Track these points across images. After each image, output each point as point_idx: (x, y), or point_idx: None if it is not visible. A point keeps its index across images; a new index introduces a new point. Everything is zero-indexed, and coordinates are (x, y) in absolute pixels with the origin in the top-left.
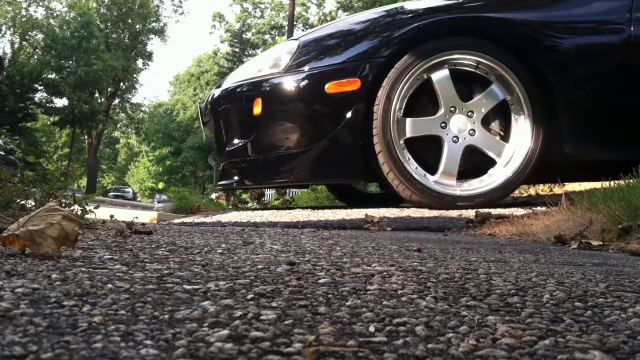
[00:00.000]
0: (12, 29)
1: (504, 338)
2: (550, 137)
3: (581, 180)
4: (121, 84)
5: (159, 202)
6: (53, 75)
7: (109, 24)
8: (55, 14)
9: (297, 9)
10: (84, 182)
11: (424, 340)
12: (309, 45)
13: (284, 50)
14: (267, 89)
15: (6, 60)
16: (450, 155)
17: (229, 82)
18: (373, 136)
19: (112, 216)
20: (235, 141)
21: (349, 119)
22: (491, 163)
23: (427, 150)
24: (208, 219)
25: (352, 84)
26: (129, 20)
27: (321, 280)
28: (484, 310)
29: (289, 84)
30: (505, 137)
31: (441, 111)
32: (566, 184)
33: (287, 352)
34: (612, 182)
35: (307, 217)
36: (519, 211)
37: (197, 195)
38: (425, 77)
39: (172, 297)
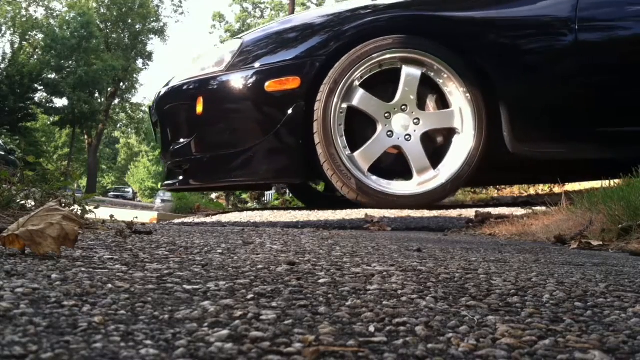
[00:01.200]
0: (12, 29)
1: (504, 338)
2: (493, 136)
3: (531, 182)
4: (121, 84)
5: (162, 201)
6: (53, 75)
7: (109, 24)
8: (55, 14)
9: (297, 9)
10: (84, 182)
11: (424, 340)
12: (252, 44)
13: (227, 49)
14: (209, 87)
15: (6, 60)
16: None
17: (175, 80)
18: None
19: (112, 216)
20: (179, 140)
21: (289, 117)
22: (441, 155)
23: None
24: (208, 219)
25: (292, 82)
26: (129, 20)
27: (321, 280)
28: (484, 310)
29: (230, 82)
30: (446, 143)
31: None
32: (566, 184)
33: (287, 352)
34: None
35: (307, 217)
36: (519, 211)
37: (197, 195)
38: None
39: (172, 297)
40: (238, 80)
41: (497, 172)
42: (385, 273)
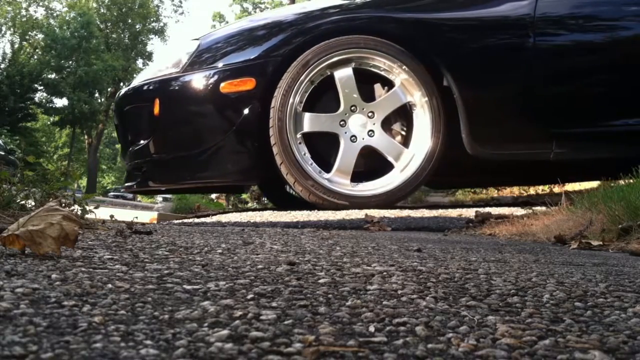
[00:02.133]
0: (12, 29)
1: (504, 338)
2: (450, 138)
3: (493, 184)
4: (121, 84)
5: (163, 200)
6: (53, 75)
7: (109, 24)
8: (55, 14)
9: None
10: (84, 182)
11: (424, 340)
12: (209, 46)
13: (184, 50)
14: (166, 89)
15: (6, 60)
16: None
17: (136, 81)
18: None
19: (112, 216)
20: (138, 142)
21: (244, 119)
22: (389, 166)
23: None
24: (208, 219)
25: (247, 84)
26: (129, 20)
27: (321, 280)
28: (484, 310)
29: (186, 83)
30: (406, 141)
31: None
32: (566, 184)
33: (287, 352)
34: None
35: (307, 217)
36: (519, 211)
37: (197, 195)
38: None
39: (172, 297)
40: (194, 82)
41: (459, 174)
42: (385, 273)
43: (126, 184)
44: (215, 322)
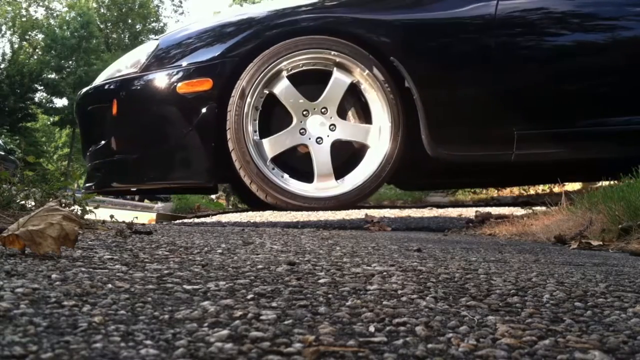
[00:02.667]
0: (12, 29)
1: (504, 338)
2: (409, 139)
3: (459, 186)
4: None
5: (163, 200)
6: (53, 75)
7: (109, 24)
8: (55, 14)
9: None
10: (83, 182)
11: (424, 340)
12: (168, 46)
13: (143, 50)
14: (124, 89)
15: (6, 60)
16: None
17: (97, 80)
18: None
19: (112, 216)
20: (97, 142)
21: (201, 119)
22: (348, 168)
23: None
24: (208, 219)
25: (203, 84)
26: (129, 21)
27: (321, 280)
28: (484, 310)
29: (143, 84)
30: (364, 144)
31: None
32: (566, 183)
33: (287, 352)
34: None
35: (307, 217)
36: (519, 211)
37: (197, 195)
38: (267, 92)
39: (172, 297)
40: (151, 82)
41: (422, 177)
42: (385, 273)
43: (86, 185)
44: (215, 322)
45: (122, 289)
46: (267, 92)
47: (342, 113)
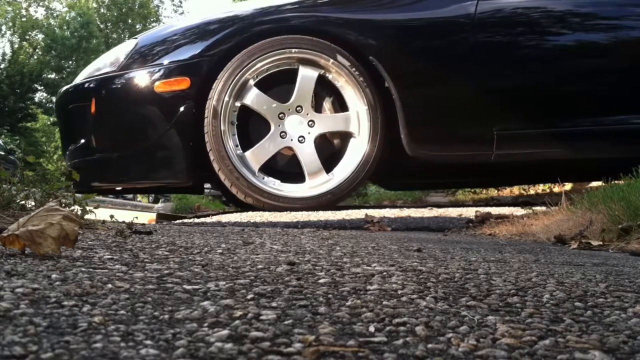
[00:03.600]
0: (12, 29)
1: (504, 338)
2: (388, 140)
3: (440, 187)
4: None
5: (163, 200)
6: (53, 75)
7: (109, 24)
8: (55, 14)
9: None
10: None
11: (424, 340)
12: (147, 44)
13: (122, 49)
14: (102, 88)
15: (6, 60)
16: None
17: (77, 79)
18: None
19: (112, 216)
20: (76, 141)
21: (178, 118)
22: (328, 168)
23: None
24: (208, 219)
25: (181, 83)
26: (129, 21)
27: (321, 280)
28: (484, 310)
29: (122, 83)
30: (343, 146)
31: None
32: (566, 183)
33: (287, 352)
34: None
35: (307, 217)
36: (519, 211)
37: (197, 195)
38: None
39: (172, 297)
40: (129, 81)
41: (402, 176)
42: (385, 273)
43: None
44: (215, 322)
45: (122, 289)
46: (239, 104)
47: (319, 108)
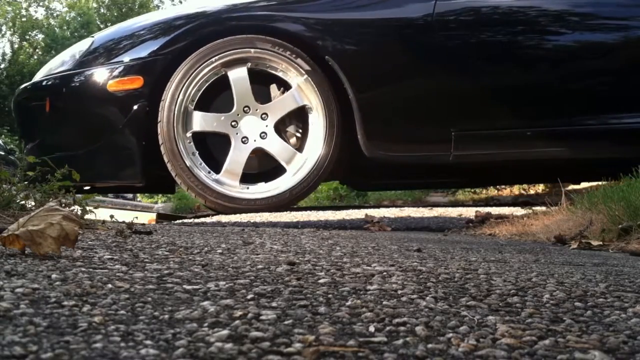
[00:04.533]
0: (12, 29)
1: (504, 338)
2: (344, 141)
3: (402, 187)
4: None
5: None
6: None
7: (109, 24)
8: (55, 14)
9: None
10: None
11: (424, 340)
12: (103, 43)
13: (78, 48)
14: (56, 86)
15: (6, 60)
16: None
17: (35, 77)
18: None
19: (112, 216)
20: (33, 140)
21: (131, 118)
22: (281, 169)
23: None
24: (208, 219)
25: (134, 82)
26: None
27: (321, 280)
28: (484, 310)
29: (76, 82)
30: (300, 145)
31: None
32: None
33: (287, 352)
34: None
35: (307, 217)
36: (519, 211)
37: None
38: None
39: (172, 297)
40: (83, 80)
41: (364, 177)
42: (385, 273)
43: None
44: (215, 322)
45: (122, 289)
46: (190, 134)
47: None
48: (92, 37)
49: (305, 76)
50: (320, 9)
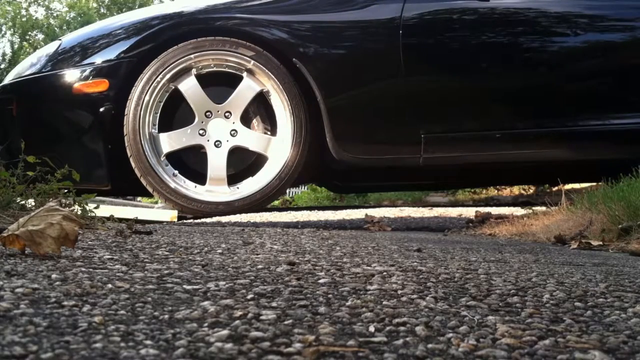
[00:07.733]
0: (12, 29)
1: (504, 338)
2: (313, 144)
3: (375, 190)
4: None
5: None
6: None
7: None
8: (55, 14)
9: None
10: None
11: (424, 340)
12: (70, 46)
13: (45, 50)
14: (23, 89)
15: (6, 60)
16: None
17: (5, 80)
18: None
19: (112, 216)
20: (2, 143)
21: (96, 121)
22: (258, 166)
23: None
24: (208, 219)
25: (99, 85)
26: None
27: (321, 280)
28: (484, 310)
29: (42, 85)
30: (272, 130)
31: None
32: (566, 184)
33: (287, 352)
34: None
35: (307, 217)
36: (519, 211)
37: None
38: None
39: (172, 297)
40: (49, 83)
41: (337, 179)
42: (385, 273)
43: None
44: (215, 322)
45: (122, 289)
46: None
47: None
48: (60, 39)
49: (252, 62)
50: (286, 10)
